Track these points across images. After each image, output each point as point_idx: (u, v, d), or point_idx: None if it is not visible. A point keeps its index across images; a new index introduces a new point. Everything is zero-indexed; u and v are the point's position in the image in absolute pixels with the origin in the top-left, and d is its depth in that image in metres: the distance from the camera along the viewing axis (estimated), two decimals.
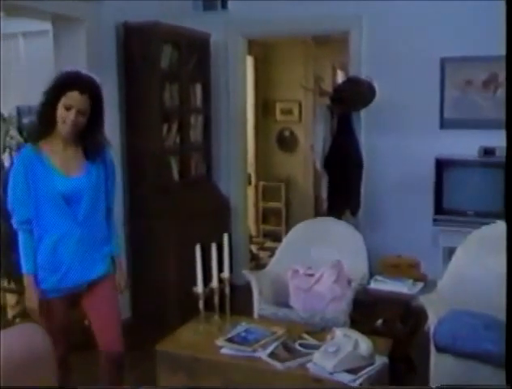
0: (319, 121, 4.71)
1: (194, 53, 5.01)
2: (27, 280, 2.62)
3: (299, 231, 3.99)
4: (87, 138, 2.65)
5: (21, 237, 2.63)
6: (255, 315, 3.48)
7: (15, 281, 4.29)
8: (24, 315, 4.10)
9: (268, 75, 7.52)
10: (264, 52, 7.37)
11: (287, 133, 7.62)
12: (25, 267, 2.62)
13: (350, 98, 4.54)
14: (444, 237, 4.54)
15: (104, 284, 2.77)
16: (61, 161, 2.62)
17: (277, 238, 6.70)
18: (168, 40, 4.66)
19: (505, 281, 2.34)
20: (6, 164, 4.50)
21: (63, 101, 2.53)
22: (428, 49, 4.65)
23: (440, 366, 2.99)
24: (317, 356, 2.57)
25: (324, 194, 4.72)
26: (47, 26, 4.24)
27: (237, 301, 3.35)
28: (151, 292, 4.58)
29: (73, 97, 2.53)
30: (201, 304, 2.94)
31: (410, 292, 3.47)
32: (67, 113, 2.54)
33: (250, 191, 7.04)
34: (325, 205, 4.71)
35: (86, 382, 2.61)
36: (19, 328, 2.42)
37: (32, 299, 2.61)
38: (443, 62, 4.67)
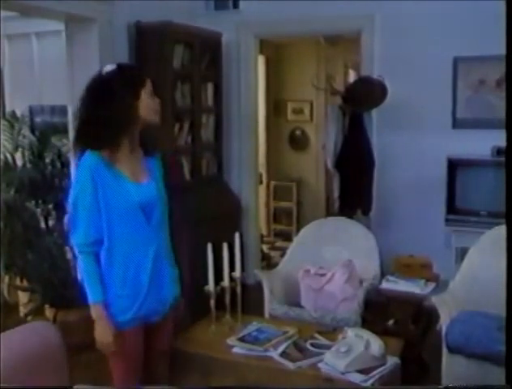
0: (331, 121, 4.71)
1: (206, 53, 5.01)
2: (97, 311, 2.23)
3: (310, 230, 3.99)
4: (145, 136, 2.38)
5: (85, 262, 2.25)
6: (266, 315, 3.48)
7: (28, 280, 4.32)
8: (36, 313, 4.14)
9: (280, 75, 7.51)
10: (276, 51, 7.36)
11: (298, 132, 7.61)
12: (93, 295, 2.23)
13: (362, 98, 4.53)
14: (456, 237, 4.52)
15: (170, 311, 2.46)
16: (128, 167, 2.29)
17: (288, 238, 6.70)
18: (180, 40, 4.66)
19: (505, 281, 2.32)
20: (19, 163, 4.54)
21: (148, 91, 2.28)
22: (441, 48, 4.62)
23: (452, 367, 2.98)
24: (328, 356, 2.57)
25: (335, 193, 4.71)
26: (60, 26, 4.26)
27: (248, 300, 3.35)
28: None
29: (150, 85, 2.32)
30: (212, 303, 2.94)
31: (422, 292, 3.46)
32: (154, 102, 2.31)
33: (261, 191, 7.03)
34: (336, 205, 4.70)
35: (86, 381, 2.56)
36: (33, 326, 2.44)
37: (106, 332, 2.22)
38: (456, 62, 4.64)
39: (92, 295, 2.24)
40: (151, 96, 2.30)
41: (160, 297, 2.36)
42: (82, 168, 2.24)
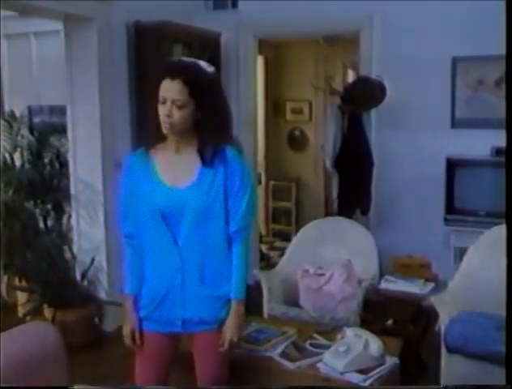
0: (330, 121, 4.70)
1: (205, 53, 4.99)
2: (126, 302, 2.27)
3: (309, 230, 3.99)
4: (199, 136, 2.15)
5: (126, 253, 2.27)
6: (265, 315, 3.47)
7: (27, 280, 4.32)
8: (35, 313, 4.14)
9: (279, 75, 7.51)
10: (275, 51, 7.36)
11: (297, 132, 7.60)
12: (125, 287, 2.27)
13: (360, 97, 4.53)
14: (455, 237, 4.52)
15: (206, 333, 2.22)
16: (169, 168, 2.17)
17: (287, 238, 6.68)
18: (179, 40, 4.66)
19: (506, 281, 2.32)
20: (18, 163, 4.54)
21: (161, 96, 2.09)
22: (440, 48, 4.62)
23: (451, 367, 2.98)
24: (327, 355, 2.57)
25: (334, 193, 4.70)
26: (58, 26, 4.26)
27: (247, 300, 3.33)
28: None
29: (165, 87, 2.07)
30: None
31: (421, 292, 3.46)
32: (162, 109, 2.08)
33: (260, 191, 7.03)
34: (335, 204, 4.69)
35: (86, 381, 2.54)
36: (31, 326, 2.43)
37: (126, 324, 2.27)
38: (454, 62, 4.64)
39: (125, 286, 2.28)
40: (161, 102, 2.09)
41: (179, 313, 2.20)
42: (124, 167, 2.27)
